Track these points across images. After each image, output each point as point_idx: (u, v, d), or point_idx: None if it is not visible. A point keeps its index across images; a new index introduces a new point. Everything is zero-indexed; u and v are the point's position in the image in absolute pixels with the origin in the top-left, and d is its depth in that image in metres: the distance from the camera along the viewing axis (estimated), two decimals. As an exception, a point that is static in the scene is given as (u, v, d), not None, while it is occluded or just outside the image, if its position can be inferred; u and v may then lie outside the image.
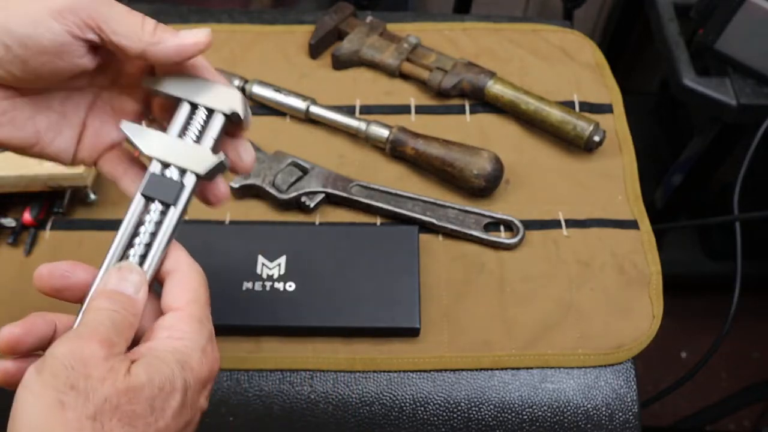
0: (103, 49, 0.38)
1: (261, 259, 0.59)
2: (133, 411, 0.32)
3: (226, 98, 0.40)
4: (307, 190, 0.64)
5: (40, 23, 0.34)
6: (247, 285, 0.57)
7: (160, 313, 0.38)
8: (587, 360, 0.57)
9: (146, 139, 0.39)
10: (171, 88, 0.40)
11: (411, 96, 0.73)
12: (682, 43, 1.00)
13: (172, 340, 0.35)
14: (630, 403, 0.56)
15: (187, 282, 0.38)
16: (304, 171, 0.65)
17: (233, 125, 0.41)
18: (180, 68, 0.39)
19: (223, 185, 0.41)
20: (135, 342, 0.37)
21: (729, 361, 1.38)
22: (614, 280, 0.60)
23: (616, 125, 0.71)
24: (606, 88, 0.73)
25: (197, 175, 0.39)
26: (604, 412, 0.56)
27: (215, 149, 0.40)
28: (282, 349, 0.57)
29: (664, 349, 1.39)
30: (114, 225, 0.63)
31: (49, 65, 0.36)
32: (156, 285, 0.40)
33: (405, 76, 0.74)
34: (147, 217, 0.39)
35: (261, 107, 0.72)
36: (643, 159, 0.69)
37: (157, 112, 0.43)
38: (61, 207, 0.63)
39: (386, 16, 0.79)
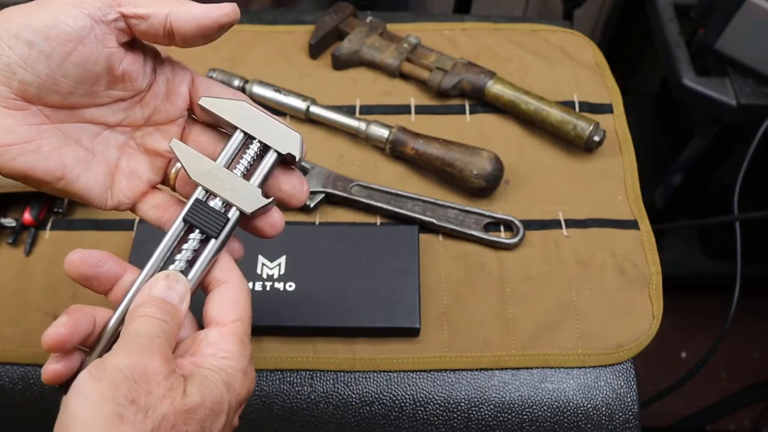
0: (134, 49, 0.38)
1: (261, 259, 0.59)
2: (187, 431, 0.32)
3: (285, 139, 0.39)
4: (307, 190, 0.64)
5: (60, 12, 0.35)
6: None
7: (194, 325, 0.39)
8: (587, 360, 0.57)
9: (195, 163, 0.38)
10: (228, 114, 0.39)
11: (411, 96, 0.73)
12: (682, 43, 1.01)
13: (217, 358, 0.35)
14: (630, 403, 0.56)
15: (234, 296, 0.38)
16: (304, 171, 0.65)
17: (285, 160, 0.40)
18: (206, 39, 0.38)
19: (278, 215, 0.41)
20: None
21: (729, 361, 1.38)
22: (614, 280, 0.60)
23: (616, 125, 0.71)
24: (606, 88, 0.73)
25: (243, 213, 0.39)
26: (604, 412, 0.56)
27: (263, 185, 0.39)
28: (282, 349, 0.57)
29: (664, 349, 1.39)
30: (114, 225, 0.64)
31: (75, 56, 0.35)
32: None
33: (405, 76, 0.74)
34: (185, 245, 0.38)
35: (261, 107, 0.71)
36: (643, 159, 0.69)
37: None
38: (61, 207, 0.63)
39: (386, 16, 0.79)
